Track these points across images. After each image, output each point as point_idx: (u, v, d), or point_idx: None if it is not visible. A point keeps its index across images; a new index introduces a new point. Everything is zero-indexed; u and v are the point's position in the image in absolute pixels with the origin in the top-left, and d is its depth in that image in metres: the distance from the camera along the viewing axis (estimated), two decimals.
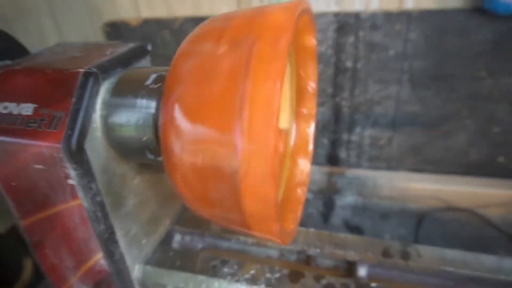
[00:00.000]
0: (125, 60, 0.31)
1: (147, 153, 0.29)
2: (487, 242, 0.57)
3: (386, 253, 0.35)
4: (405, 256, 0.34)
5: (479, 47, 0.53)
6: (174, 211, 0.42)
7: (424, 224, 0.59)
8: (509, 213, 0.59)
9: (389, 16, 0.54)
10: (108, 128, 0.29)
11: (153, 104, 0.28)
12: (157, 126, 0.28)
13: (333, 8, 0.57)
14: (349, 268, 0.37)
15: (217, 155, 0.21)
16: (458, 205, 0.61)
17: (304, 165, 0.36)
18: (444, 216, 0.60)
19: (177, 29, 0.66)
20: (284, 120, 0.35)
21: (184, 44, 0.25)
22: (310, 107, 0.35)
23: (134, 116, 0.28)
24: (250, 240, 0.39)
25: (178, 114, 0.23)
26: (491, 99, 0.57)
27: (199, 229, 0.41)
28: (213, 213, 0.24)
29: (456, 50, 0.54)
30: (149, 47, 0.35)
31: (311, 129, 0.36)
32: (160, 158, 0.30)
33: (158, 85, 0.28)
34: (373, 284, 0.32)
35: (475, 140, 0.61)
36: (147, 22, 0.67)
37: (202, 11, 0.63)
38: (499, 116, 0.58)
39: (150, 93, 0.28)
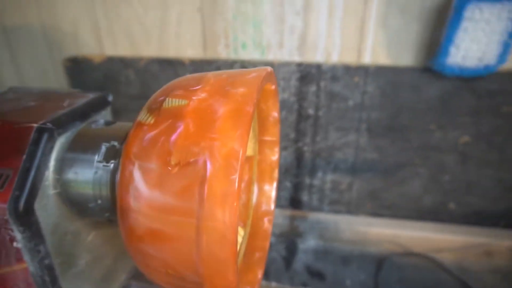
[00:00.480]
0: (84, 113, 0.31)
1: (103, 211, 0.28)
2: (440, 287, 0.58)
3: None
4: None
5: (429, 103, 0.58)
6: (131, 265, 0.39)
7: (383, 268, 0.60)
8: (461, 258, 0.62)
9: (348, 69, 0.58)
10: (62, 185, 0.28)
11: (111, 162, 0.27)
12: (115, 184, 0.27)
13: (296, 58, 0.60)
14: None
15: (177, 225, 0.21)
16: (414, 250, 0.63)
17: (270, 191, 0.36)
18: (402, 260, 0.62)
19: (142, 69, 0.65)
20: (249, 147, 0.35)
21: (146, 108, 0.25)
22: (274, 134, 0.36)
23: (90, 173, 0.27)
24: None
25: (137, 177, 0.22)
26: (440, 149, 0.61)
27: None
28: (167, 280, 0.23)
29: (409, 104, 0.58)
30: (110, 98, 0.34)
31: (275, 155, 0.36)
32: (115, 217, 0.29)
33: (117, 144, 0.28)
34: None
35: (428, 187, 0.64)
36: (110, 60, 0.66)
37: (168, 53, 0.64)
38: (448, 166, 0.62)
39: (109, 150, 0.28)
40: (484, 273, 0.60)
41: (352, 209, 0.68)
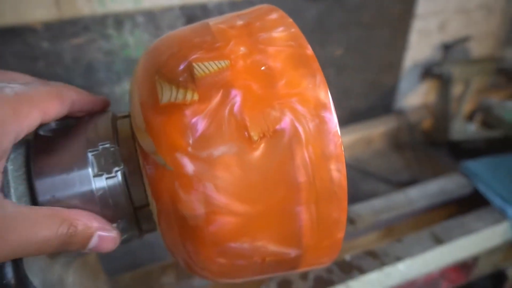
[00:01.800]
0: None
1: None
2: (350, 181, 0.70)
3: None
4: (352, 221, 0.39)
5: (309, 25, 0.62)
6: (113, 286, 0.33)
7: None
8: (353, 152, 0.74)
9: (235, 5, 0.56)
10: None
11: (115, 170, 0.21)
12: (131, 197, 0.21)
13: (176, 1, 0.53)
14: None
15: (280, 204, 0.18)
16: None
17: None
18: None
19: None
20: None
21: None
22: None
23: (91, 195, 0.20)
24: None
25: (205, 173, 0.18)
26: (322, 65, 0.68)
27: None
28: (261, 271, 0.21)
29: None
30: None
31: None
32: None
33: (109, 145, 0.21)
34: (347, 256, 0.35)
35: None
36: None
37: (5, 19, 0.47)
38: (328, 78, 0.70)
39: (102, 156, 0.21)
40: (370, 157, 0.75)
41: None
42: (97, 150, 0.20)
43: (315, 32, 0.63)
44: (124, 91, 0.57)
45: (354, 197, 0.67)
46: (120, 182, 0.20)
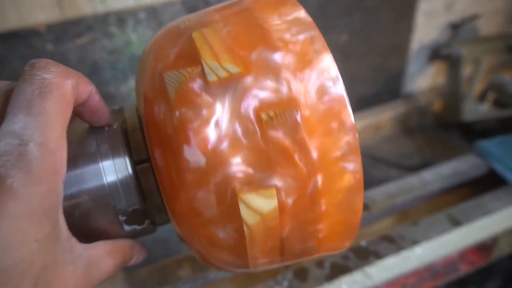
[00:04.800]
0: None
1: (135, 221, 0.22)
2: None
3: None
4: (366, 207, 0.38)
5: (311, 12, 0.61)
6: (128, 280, 0.33)
7: None
8: (362, 139, 0.73)
9: None
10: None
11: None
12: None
13: None
14: None
15: None
16: None
17: None
18: None
19: None
20: None
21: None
22: None
23: (99, 179, 0.20)
24: None
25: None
26: None
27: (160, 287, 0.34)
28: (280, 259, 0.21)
29: None
30: None
31: None
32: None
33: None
34: (362, 242, 0.35)
35: None
36: None
37: (9, 23, 0.47)
38: None
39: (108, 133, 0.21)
40: (380, 143, 0.74)
41: None
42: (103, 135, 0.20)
43: (318, 19, 0.62)
44: (130, 89, 0.57)
45: (367, 183, 0.67)
46: (130, 174, 0.20)
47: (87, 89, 0.18)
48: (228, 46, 0.18)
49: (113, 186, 0.20)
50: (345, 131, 0.18)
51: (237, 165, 0.17)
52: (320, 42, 0.19)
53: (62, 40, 0.50)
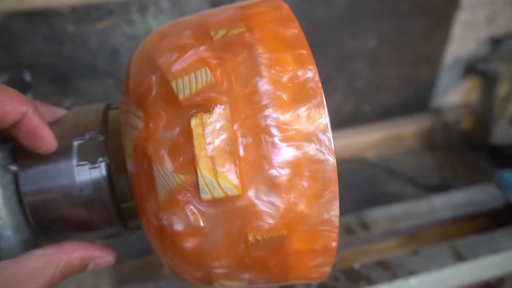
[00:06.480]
0: None
1: (106, 229, 0.21)
2: (374, 181, 0.66)
3: (349, 231, 0.36)
4: (366, 227, 0.37)
5: (340, 14, 0.58)
6: (111, 273, 0.33)
7: None
8: (381, 150, 0.71)
9: None
10: (31, 214, 0.20)
11: (99, 160, 0.20)
12: (115, 192, 0.20)
13: None
14: None
15: None
16: (344, 156, 0.69)
17: None
18: (338, 168, 0.67)
19: (0, 29, 0.48)
20: None
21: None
22: None
23: (73, 187, 0.20)
24: None
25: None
26: (353, 58, 0.64)
27: (144, 283, 0.34)
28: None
29: (323, 18, 0.58)
30: (28, 77, 0.25)
31: None
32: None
33: (95, 134, 0.20)
34: (356, 265, 0.33)
35: (345, 96, 0.69)
36: None
37: (33, 2, 0.48)
38: (361, 71, 0.66)
39: (87, 146, 0.20)
40: (399, 157, 0.71)
41: None
42: (83, 139, 0.20)
43: (346, 22, 0.59)
44: None
45: (378, 197, 0.64)
46: (103, 175, 0.20)
47: (19, 109, 0.17)
48: (230, 155, 0.16)
49: (84, 185, 0.20)
50: (327, 255, 0.18)
51: (217, 267, 0.18)
52: (332, 174, 0.17)
53: (83, 22, 0.51)
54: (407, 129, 0.72)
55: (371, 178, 0.67)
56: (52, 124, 0.20)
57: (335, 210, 0.17)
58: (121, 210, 0.21)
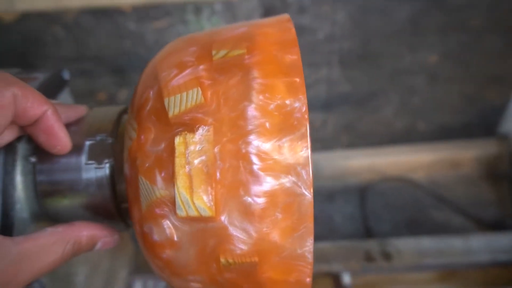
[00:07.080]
0: None
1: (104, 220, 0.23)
2: (419, 205, 0.62)
3: (368, 257, 0.34)
4: (387, 256, 0.34)
5: (399, 25, 0.55)
6: (130, 259, 0.35)
7: (367, 198, 0.62)
8: (432, 173, 0.65)
9: (316, 0, 0.52)
10: (41, 203, 0.21)
11: (105, 162, 0.21)
12: (116, 191, 0.21)
13: None
14: (335, 278, 0.35)
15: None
16: (391, 174, 0.65)
17: None
18: (382, 186, 0.64)
19: (71, 24, 0.54)
20: None
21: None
22: None
23: (79, 182, 0.21)
24: None
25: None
26: (410, 72, 0.60)
27: None
28: None
29: (379, 29, 0.55)
30: (67, 76, 0.27)
31: None
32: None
33: (104, 137, 0.22)
34: None
35: (399, 111, 0.64)
36: (26, 16, 0.54)
37: (101, 0, 0.52)
38: (418, 87, 0.62)
39: (96, 147, 0.21)
40: (453, 183, 0.65)
41: (327, 144, 0.67)
42: (95, 140, 0.21)
43: (406, 34, 0.56)
44: None
45: (420, 223, 0.60)
46: (107, 175, 0.21)
47: (39, 107, 0.18)
48: (207, 176, 0.16)
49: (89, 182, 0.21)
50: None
51: (192, 280, 0.18)
52: (308, 209, 0.16)
53: (143, 21, 0.54)
54: (466, 154, 0.65)
55: (416, 202, 0.62)
56: (73, 123, 0.22)
57: (308, 246, 0.16)
58: (121, 210, 0.22)
